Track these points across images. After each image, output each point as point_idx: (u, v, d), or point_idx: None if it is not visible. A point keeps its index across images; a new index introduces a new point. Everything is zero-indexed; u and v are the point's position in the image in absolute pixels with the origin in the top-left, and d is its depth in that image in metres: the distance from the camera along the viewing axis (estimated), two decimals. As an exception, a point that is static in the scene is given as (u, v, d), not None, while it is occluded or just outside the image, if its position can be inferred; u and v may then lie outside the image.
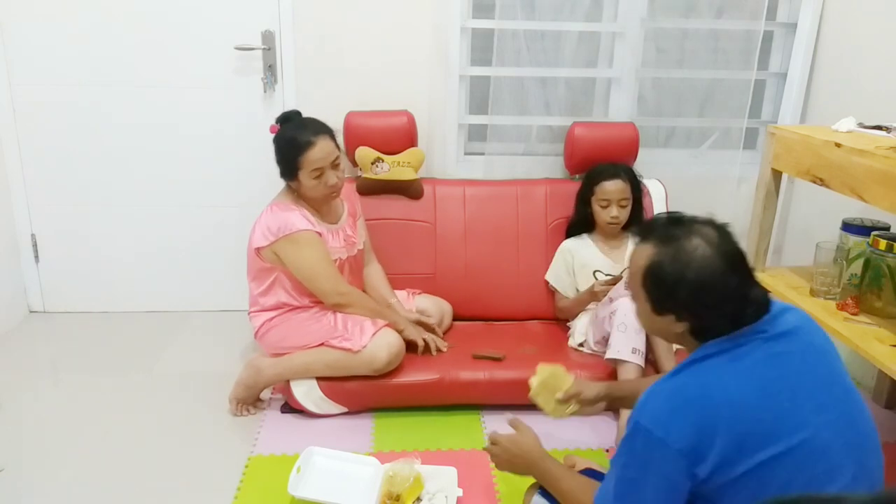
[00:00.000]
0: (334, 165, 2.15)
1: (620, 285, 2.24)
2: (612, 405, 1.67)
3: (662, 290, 1.20)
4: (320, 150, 2.11)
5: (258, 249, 2.17)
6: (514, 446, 1.53)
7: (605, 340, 2.23)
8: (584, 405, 1.69)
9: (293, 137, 2.13)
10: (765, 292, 1.20)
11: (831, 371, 1.20)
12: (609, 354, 2.13)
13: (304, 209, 2.18)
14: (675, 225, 1.22)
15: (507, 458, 1.54)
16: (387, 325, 2.21)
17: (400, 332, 2.21)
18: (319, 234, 2.18)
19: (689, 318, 1.20)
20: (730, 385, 1.12)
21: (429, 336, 2.30)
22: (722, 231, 1.21)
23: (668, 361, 2.12)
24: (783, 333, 1.18)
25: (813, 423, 1.12)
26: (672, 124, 2.92)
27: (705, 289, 1.16)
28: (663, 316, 1.22)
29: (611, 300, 2.23)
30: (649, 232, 1.24)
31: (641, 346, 2.11)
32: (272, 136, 2.20)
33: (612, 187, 2.40)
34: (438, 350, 2.29)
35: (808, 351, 1.19)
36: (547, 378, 1.67)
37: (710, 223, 1.22)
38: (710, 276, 1.16)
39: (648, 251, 1.22)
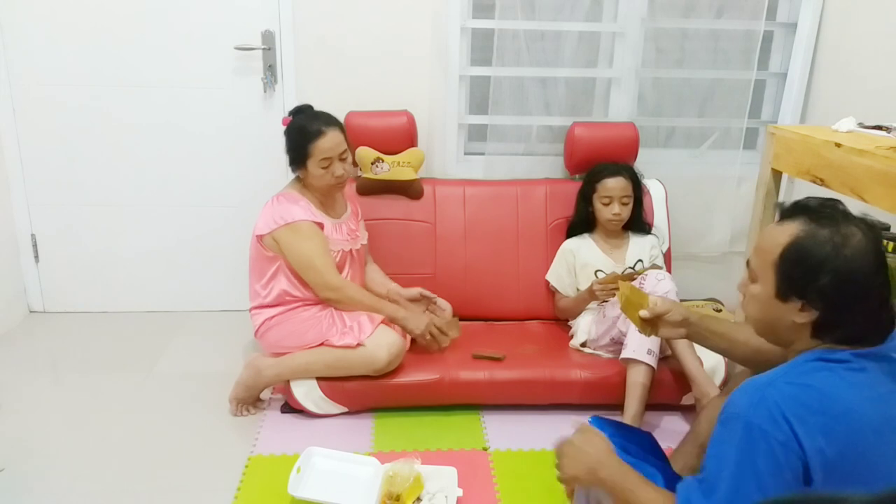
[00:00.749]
0: (342, 157, 2.20)
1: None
2: (693, 337, 1.53)
3: (802, 270, 1.09)
4: (330, 140, 2.16)
5: (259, 237, 2.19)
6: (586, 443, 1.32)
7: (612, 341, 2.23)
8: (667, 327, 1.52)
9: (304, 126, 2.19)
10: (893, 315, 1.11)
11: None
12: (624, 354, 2.13)
13: (308, 201, 2.22)
14: (830, 208, 1.12)
15: (577, 456, 1.30)
16: (383, 323, 2.21)
17: (402, 325, 2.20)
18: (321, 225, 2.20)
19: (821, 309, 1.09)
20: (852, 405, 1.03)
21: (434, 329, 2.22)
22: (876, 231, 1.10)
23: (690, 359, 2.11)
24: None
25: None
26: (672, 124, 2.92)
27: (853, 279, 1.06)
28: (787, 302, 1.12)
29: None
30: (798, 210, 1.14)
31: (656, 349, 2.12)
32: (284, 127, 2.25)
33: (615, 185, 2.40)
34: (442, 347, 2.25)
35: None
36: (629, 295, 1.57)
37: (864, 220, 1.11)
38: (861, 266, 1.05)
39: (794, 228, 1.11)
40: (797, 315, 1.12)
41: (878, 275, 1.07)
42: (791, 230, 1.12)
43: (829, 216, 1.10)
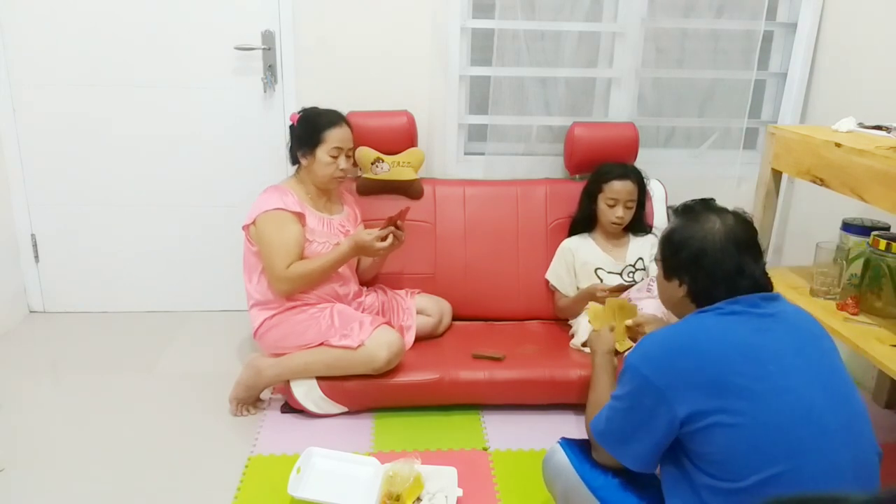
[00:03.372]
0: (348, 154, 2.27)
1: (642, 286, 2.24)
2: None
3: (670, 251, 1.40)
4: (343, 133, 2.25)
5: (245, 227, 2.22)
6: (595, 336, 1.74)
7: None
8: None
9: (321, 114, 2.26)
10: (764, 273, 1.35)
11: (822, 355, 1.29)
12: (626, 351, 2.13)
13: (296, 193, 2.23)
14: (703, 206, 1.42)
15: (591, 343, 1.75)
16: (385, 323, 2.23)
17: (359, 252, 2.20)
18: (302, 216, 2.20)
19: (688, 282, 1.37)
20: (716, 338, 1.26)
21: (384, 233, 2.16)
22: (741, 220, 1.39)
23: None
24: (776, 314, 1.30)
25: (799, 391, 1.20)
26: (672, 124, 2.92)
27: (704, 254, 1.34)
28: (670, 281, 1.41)
29: (629, 300, 2.22)
30: (678, 210, 1.45)
31: None
32: (290, 123, 2.31)
33: (622, 188, 2.40)
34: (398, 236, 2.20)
35: (798, 333, 1.30)
36: (603, 315, 1.73)
37: (735, 213, 1.40)
38: (711, 244, 1.34)
39: (674, 222, 1.43)
40: (678, 290, 1.39)
41: (734, 248, 1.33)
42: (671, 225, 1.44)
43: (697, 211, 1.40)
